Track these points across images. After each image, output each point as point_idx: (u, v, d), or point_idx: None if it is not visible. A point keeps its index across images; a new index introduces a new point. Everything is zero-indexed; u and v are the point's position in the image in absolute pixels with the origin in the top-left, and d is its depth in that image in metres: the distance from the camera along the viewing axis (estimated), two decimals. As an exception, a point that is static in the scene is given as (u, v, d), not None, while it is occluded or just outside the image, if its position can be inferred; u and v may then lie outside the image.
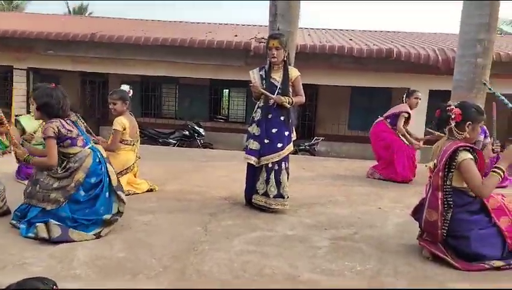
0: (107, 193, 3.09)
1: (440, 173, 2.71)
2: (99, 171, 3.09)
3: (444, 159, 2.70)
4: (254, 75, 3.83)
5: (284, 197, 3.71)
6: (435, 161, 2.82)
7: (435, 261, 2.75)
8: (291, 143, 3.79)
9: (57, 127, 3.01)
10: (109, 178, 3.13)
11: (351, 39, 11.65)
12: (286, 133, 3.72)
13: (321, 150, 10.97)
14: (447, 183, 2.70)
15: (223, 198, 4.18)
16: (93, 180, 3.05)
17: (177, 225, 3.32)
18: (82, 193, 3.01)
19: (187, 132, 10.91)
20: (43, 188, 3.01)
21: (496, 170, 2.66)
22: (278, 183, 3.68)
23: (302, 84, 3.88)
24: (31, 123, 4.50)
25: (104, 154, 3.26)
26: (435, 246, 2.76)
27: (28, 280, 1.42)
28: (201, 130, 10.96)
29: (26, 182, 3.36)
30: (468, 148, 2.69)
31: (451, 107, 2.76)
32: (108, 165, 3.18)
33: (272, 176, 3.67)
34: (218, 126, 12.74)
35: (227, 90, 14.15)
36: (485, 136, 5.17)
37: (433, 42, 12.14)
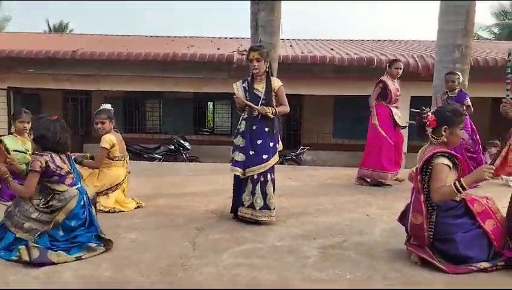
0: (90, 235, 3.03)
1: (418, 177, 2.76)
2: (81, 215, 3.02)
3: (421, 163, 2.76)
4: (237, 87, 3.86)
5: (270, 209, 3.69)
6: (418, 166, 2.87)
7: (424, 266, 2.77)
8: (277, 154, 3.79)
9: (46, 162, 2.94)
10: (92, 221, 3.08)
11: (332, 49, 11.80)
12: (271, 144, 3.73)
13: (307, 159, 11.01)
14: (425, 186, 2.75)
15: (211, 211, 4.15)
16: (73, 223, 2.98)
17: (165, 240, 3.28)
18: (61, 232, 2.95)
19: (172, 146, 10.84)
20: (21, 213, 2.95)
21: (456, 183, 2.67)
22: (264, 194, 3.67)
23: (286, 94, 3.91)
24: (14, 143, 4.44)
25: (91, 195, 3.22)
26: (423, 250, 2.79)
27: None
28: (186, 144, 10.91)
29: (9, 203, 3.29)
30: (446, 154, 2.73)
31: (427, 114, 2.81)
32: (92, 208, 3.14)
33: (258, 187, 3.66)
34: (203, 139, 12.71)
35: (211, 103, 14.16)
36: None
37: (413, 49, 12.38)
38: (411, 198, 2.91)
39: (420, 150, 2.98)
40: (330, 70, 9.94)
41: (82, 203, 3.06)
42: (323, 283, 2.58)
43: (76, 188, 3.08)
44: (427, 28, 53.90)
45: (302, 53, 10.68)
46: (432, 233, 2.73)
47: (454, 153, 2.78)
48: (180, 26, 67.18)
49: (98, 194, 4.08)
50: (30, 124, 4.16)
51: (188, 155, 10.85)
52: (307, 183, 5.79)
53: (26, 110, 4.60)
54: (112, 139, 4.19)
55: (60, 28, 29.23)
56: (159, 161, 10.21)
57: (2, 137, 4.55)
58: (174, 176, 6.11)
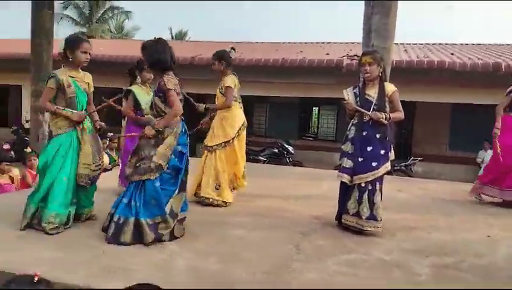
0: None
1: None
2: (185, 140, 3.26)
3: None
4: (348, 93, 3.77)
5: (377, 220, 3.53)
6: None
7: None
8: (388, 162, 3.60)
9: (175, 85, 3.18)
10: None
11: (452, 53, 10.96)
12: (382, 152, 3.56)
13: (418, 171, 10.35)
14: None
15: (314, 217, 4.11)
16: (179, 148, 3.19)
17: (270, 241, 3.34)
18: (172, 156, 3.15)
19: (276, 150, 11.02)
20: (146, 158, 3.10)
21: None
22: (371, 204, 3.52)
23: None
24: (143, 95, 4.35)
25: None
26: None
27: (138, 285, 1.52)
28: (290, 148, 11.00)
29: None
30: None
31: None
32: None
33: (365, 196, 3.53)
34: (307, 144, 12.70)
35: (316, 108, 14.10)
36: None
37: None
38: None
39: None
40: (448, 76, 9.24)
41: (183, 130, 3.27)
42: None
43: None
44: None
45: (417, 58, 10.10)
46: None
47: None
48: (290, 33, 67.92)
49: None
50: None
51: (291, 159, 10.93)
52: (418, 196, 5.43)
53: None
54: (233, 79, 4.53)
55: (180, 35, 31.64)
56: (263, 163, 10.46)
57: (131, 87, 4.45)
58: (279, 179, 6.20)
